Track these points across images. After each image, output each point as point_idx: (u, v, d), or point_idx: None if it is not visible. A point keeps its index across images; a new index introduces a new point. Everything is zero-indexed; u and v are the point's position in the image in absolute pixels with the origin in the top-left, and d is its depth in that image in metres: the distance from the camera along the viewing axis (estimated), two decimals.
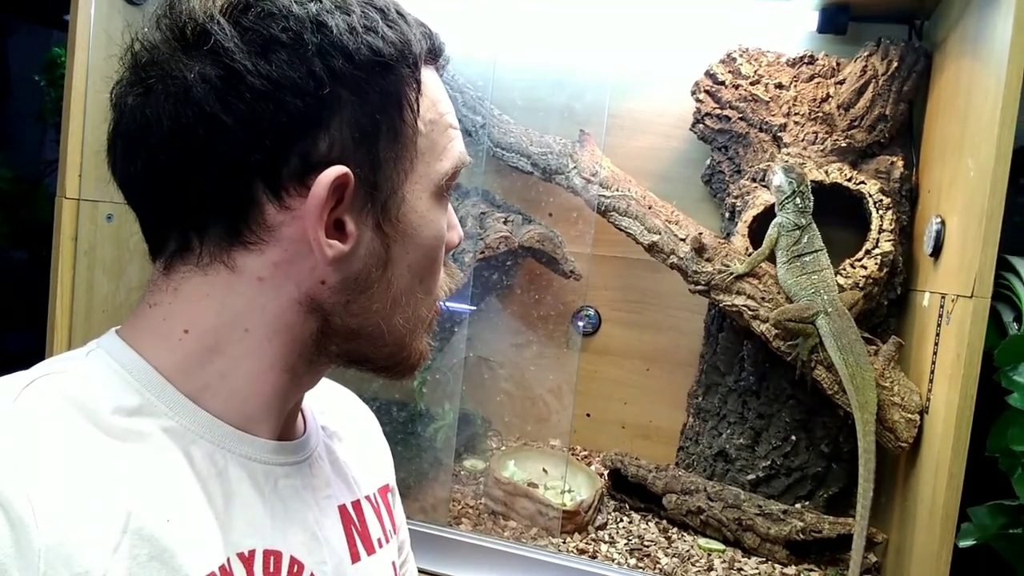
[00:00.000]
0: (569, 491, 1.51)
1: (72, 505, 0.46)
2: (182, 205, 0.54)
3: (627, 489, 1.53)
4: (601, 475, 1.57)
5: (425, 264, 0.61)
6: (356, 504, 0.69)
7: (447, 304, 1.53)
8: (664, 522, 1.48)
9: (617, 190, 1.48)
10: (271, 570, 0.56)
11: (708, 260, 1.40)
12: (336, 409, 0.76)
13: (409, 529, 0.85)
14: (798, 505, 1.44)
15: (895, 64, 1.40)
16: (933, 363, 1.22)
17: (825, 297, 1.31)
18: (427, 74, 0.59)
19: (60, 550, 0.45)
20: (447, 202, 0.63)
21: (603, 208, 1.49)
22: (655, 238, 1.44)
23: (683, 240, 1.42)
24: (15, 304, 1.93)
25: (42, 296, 1.38)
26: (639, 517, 1.50)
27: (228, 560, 0.53)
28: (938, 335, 1.20)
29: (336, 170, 0.52)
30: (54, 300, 1.40)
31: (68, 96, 1.39)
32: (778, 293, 1.37)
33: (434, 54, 0.61)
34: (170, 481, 0.52)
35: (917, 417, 1.25)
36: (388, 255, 0.58)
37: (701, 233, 1.42)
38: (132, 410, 0.53)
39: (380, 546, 0.70)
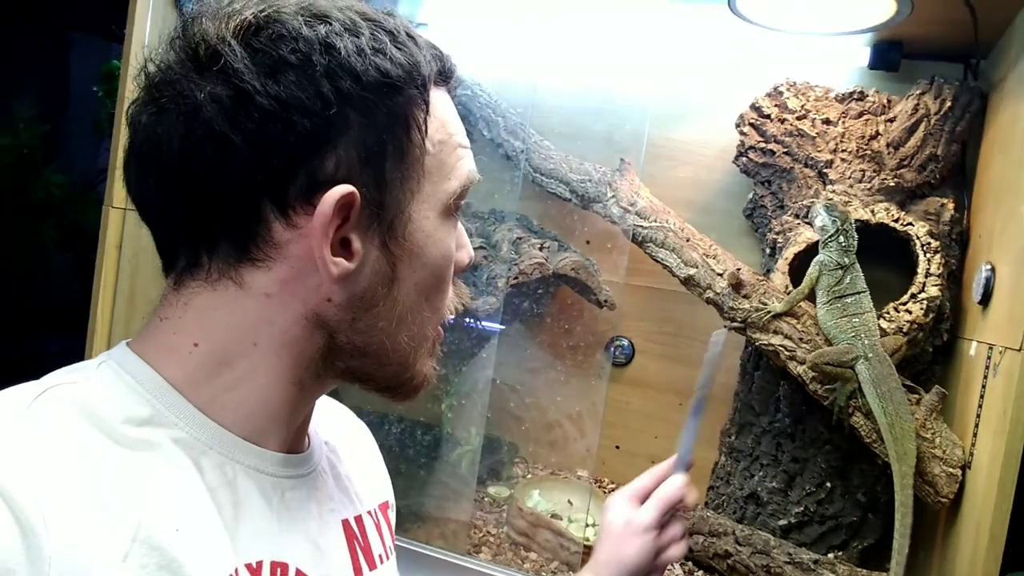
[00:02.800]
0: (593, 525, 1.48)
1: (82, 513, 0.47)
2: (192, 222, 0.55)
3: None
4: None
5: (432, 283, 0.61)
6: (358, 519, 0.70)
7: (481, 323, 1.52)
8: (690, 564, 1.44)
9: (655, 221, 1.46)
10: None
11: (745, 296, 1.37)
12: (334, 424, 0.77)
13: (427, 555, 0.84)
14: (831, 555, 1.39)
15: (948, 103, 1.36)
16: (978, 416, 1.17)
17: (866, 341, 1.26)
18: (437, 95, 0.59)
19: (70, 557, 0.45)
20: (456, 221, 0.63)
21: (640, 239, 1.47)
22: (692, 271, 1.41)
23: (720, 275, 1.39)
24: (60, 306, 1.99)
25: (87, 300, 1.42)
26: None
27: (236, 570, 0.53)
28: (984, 387, 1.15)
29: (342, 189, 0.53)
30: (95, 306, 1.43)
31: (120, 107, 1.43)
32: (817, 334, 1.33)
33: (445, 76, 0.61)
34: (180, 491, 0.52)
35: (959, 472, 1.20)
36: (394, 273, 0.58)
37: (739, 269, 1.39)
38: (142, 420, 0.53)
39: (381, 562, 0.70)
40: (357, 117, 0.53)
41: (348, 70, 0.53)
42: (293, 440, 0.63)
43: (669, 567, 1.42)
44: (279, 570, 0.57)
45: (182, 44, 0.54)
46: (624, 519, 0.88)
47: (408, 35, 0.57)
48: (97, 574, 0.46)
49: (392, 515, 0.80)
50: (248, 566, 0.55)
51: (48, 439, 0.49)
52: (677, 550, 0.90)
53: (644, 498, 0.90)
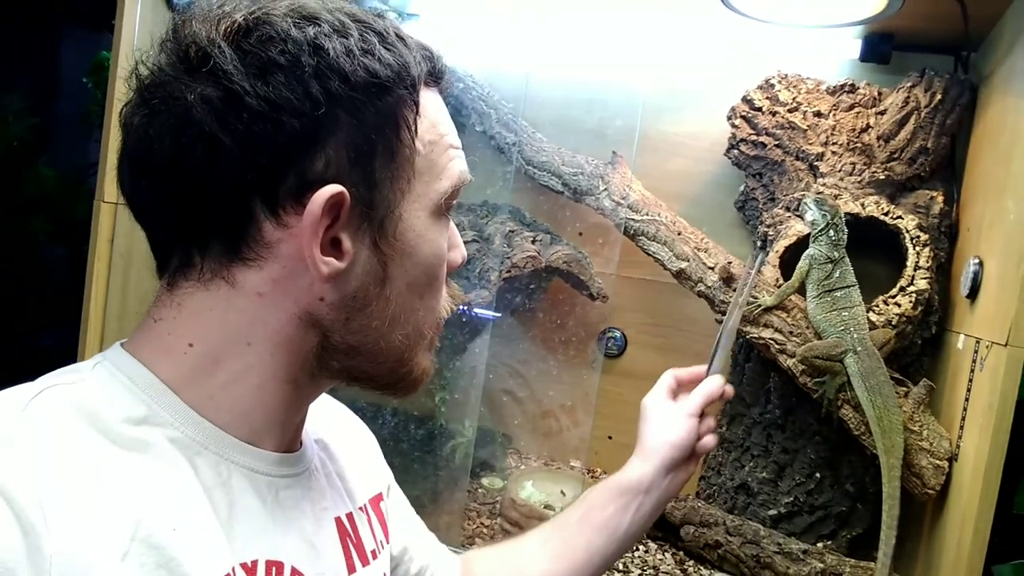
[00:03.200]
0: None
1: (83, 512, 0.48)
2: (183, 222, 0.56)
3: None
4: None
5: (424, 282, 0.61)
6: (350, 516, 0.71)
7: (475, 311, 1.53)
8: (681, 553, 1.45)
9: (647, 214, 1.46)
10: None
11: (736, 290, 1.38)
12: (326, 421, 0.77)
13: None
14: (820, 544, 1.40)
15: (939, 96, 1.36)
16: (965, 409, 1.18)
17: (855, 335, 1.27)
18: (427, 96, 0.60)
19: (70, 556, 0.46)
20: (448, 221, 0.64)
21: (632, 232, 1.47)
22: (683, 265, 1.42)
23: (712, 268, 1.40)
24: (53, 300, 1.99)
25: (79, 293, 1.42)
26: (656, 547, 1.48)
27: (233, 569, 0.54)
28: (971, 380, 1.16)
29: (331, 188, 0.53)
30: (88, 300, 1.43)
31: (110, 101, 1.42)
32: (807, 328, 1.34)
33: (435, 76, 0.62)
34: (176, 491, 0.53)
35: (946, 464, 1.21)
36: (385, 273, 0.58)
37: (730, 262, 1.39)
38: (139, 420, 0.54)
39: (374, 557, 0.71)
40: (346, 117, 0.54)
41: (337, 71, 0.53)
42: (289, 440, 0.63)
43: (660, 557, 1.44)
44: (274, 569, 0.58)
45: (173, 46, 0.55)
46: (669, 407, 0.98)
47: (398, 36, 0.58)
48: (97, 572, 0.46)
49: (391, 499, 0.81)
50: (244, 565, 0.55)
51: (47, 439, 0.50)
52: (712, 439, 1.00)
53: (675, 395, 1.02)
